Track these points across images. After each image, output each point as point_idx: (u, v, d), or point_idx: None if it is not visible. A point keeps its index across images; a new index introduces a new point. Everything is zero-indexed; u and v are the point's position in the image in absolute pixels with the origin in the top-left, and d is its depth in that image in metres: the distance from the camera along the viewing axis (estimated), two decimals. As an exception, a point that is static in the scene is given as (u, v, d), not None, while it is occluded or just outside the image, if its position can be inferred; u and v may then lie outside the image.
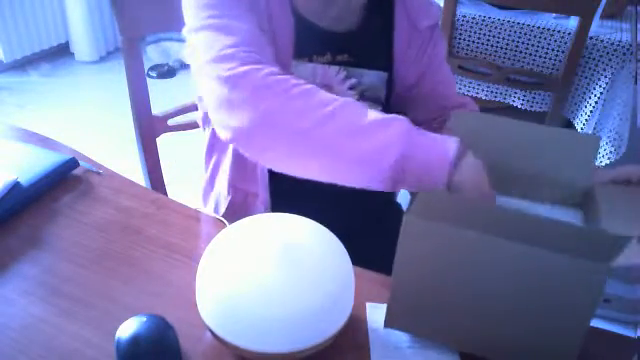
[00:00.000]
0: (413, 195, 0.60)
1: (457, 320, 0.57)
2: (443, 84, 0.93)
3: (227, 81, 0.62)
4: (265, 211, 0.88)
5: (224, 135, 0.66)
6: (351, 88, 0.84)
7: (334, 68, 0.82)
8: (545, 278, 0.51)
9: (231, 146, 0.88)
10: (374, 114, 0.61)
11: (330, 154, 0.60)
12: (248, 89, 0.61)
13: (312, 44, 0.80)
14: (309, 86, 0.63)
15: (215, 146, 0.95)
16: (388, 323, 0.61)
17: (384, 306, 0.62)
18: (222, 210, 0.94)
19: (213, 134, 0.93)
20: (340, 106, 0.60)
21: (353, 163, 0.60)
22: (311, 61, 0.80)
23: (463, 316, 0.57)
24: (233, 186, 0.92)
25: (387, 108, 0.89)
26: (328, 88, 0.79)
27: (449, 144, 0.60)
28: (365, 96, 0.85)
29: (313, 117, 0.60)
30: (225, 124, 0.64)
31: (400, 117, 0.62)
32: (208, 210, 0.98)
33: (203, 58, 0.66)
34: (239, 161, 0.89)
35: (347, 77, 0.83)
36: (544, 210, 0.73)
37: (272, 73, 0.62)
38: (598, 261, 0.49)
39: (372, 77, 0.85)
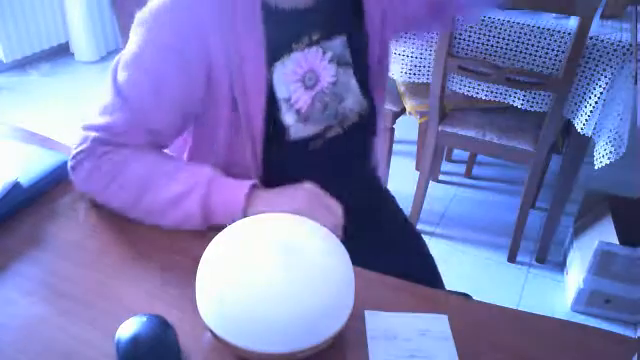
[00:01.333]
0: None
1: None
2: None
3: (75, 161, 0.77)
4: None
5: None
6: (330, 61, 0.84)
7: (312, 50, 0.81)
8: None
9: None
10: (177, 185, 0.74)
11: (153, 221, 0.76)
12: (79, 177, 0.78)
13: (288, 35, 0.79)
14: (124, 165, 0.75)
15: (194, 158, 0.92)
16: None
17: (382, 313, 0.62)
18: None
19: (192, 146, 0.91)
20: (148, 189, 0.74)
21: (174, 226, 0.76)
22: (291, 52, 0.80)
23: None
24: None
25: (361, 68, 0.88)
26: (313, 71, 0.82)
27: (237, 200, 0.73)
28: (340, 63, 0.85)
29: (130, 202, 0.76)
30: (76, 186, 0.80)
31: (199, 179, 0.74)
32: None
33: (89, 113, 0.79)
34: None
35: (324, 52, 0.83)
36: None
37: (100, 165, 0.75)
38: None
39: (338, 42, 0.84)
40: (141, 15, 0.75)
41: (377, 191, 1.07)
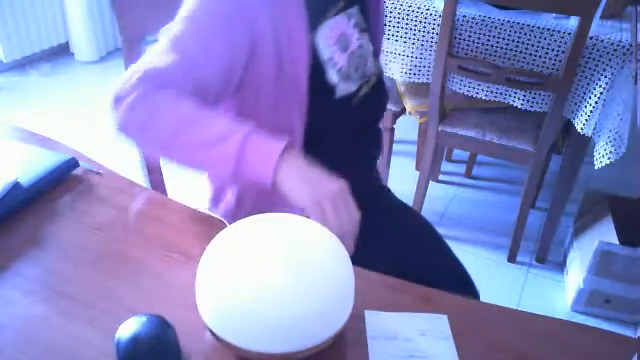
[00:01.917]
0: None
1: None
2: None
3: (118, 95, 0.75)
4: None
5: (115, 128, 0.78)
6: (355, 27, 0.91)
7: (340, 16, 0.88)
8: None
9: None
10: (219, 127, 0.72)
11: (187, 162, 0.75)
12: (124, 109, 0.74)
13: (323, 4, 0.86)
14: (168, 104, 0.73)
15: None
16: None
17: (382, 313, 0.62)
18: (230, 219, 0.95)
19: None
20: (190, 123, 0.72)
21: (203, 168, 0.77)
22: (326, 19, 0.86)
23: None
24: (241, 197, 0.95)
25: (370, 26, 0.95)
26: (345, 35, 0.89)
27: (274, 150, 0.70)
28: (361, 29, 0.92)
29: (170, 136, 0.73)
30: (115, 122, 0.77)
31: (240, 129, 0.71)
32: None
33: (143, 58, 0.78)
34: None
35: (349, 18, 0.90)
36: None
37: (149, 99, 0.74)
38: None
39: (355, 11, 0.91)
40: None
41: (372, 182, 1.11)
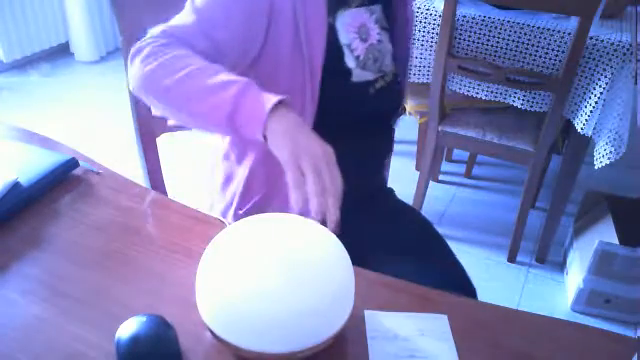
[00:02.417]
0: None
1: None
2: None
3: (135, 50, 0.78)
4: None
5: (130, 85, 0.80)
6: (376, 23, 0.93)
7: (362, 10, 0.91)
8: None
9: (249, 157, 0.94)
10: (221, 77, 0.72)
11: (186, 107, 0.74)
12: (138, 59, 0.77)
13: None
14: (178, 55, 0.75)
15: (229, 156, 0.96)
16: None
17: (382, 313, 0.62)
18: (230, 219, 0.95)
19: (231, 144, 0.97)
20: (193, 71, 0.73)
21: (200, 115, 0.74)
22: (347, 7, 0.89)
23: None
24: (245, 196, 0.95)
25: (393, 30, 0.98)
26: (366, 27, 0.92)
27: (267, 103, 0.69)
28: (382, 27, 0.95)
29: (174, 80, 0.73)
30: (130, 77, 0.79)
31: (241, 80, 0.71)
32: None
33: None
34: (256, 171, 0.94)
35: (371, 14, 0.93)
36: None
37: (161, 50, 0.76)
38: None
39: (377, 9, 0.94)
40: None
41: (375, 182, 1.11)
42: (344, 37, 0.89)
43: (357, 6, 0.91)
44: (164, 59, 0.74)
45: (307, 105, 0.87)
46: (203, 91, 0.72)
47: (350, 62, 0.89)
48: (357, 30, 0.90)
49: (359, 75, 0.91)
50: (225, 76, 0.72)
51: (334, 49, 0.87)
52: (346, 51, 0.89)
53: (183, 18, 0.80)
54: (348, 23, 0.89)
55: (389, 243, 0.98)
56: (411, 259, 0.96)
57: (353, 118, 0.92)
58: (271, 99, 0.69)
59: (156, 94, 0.76)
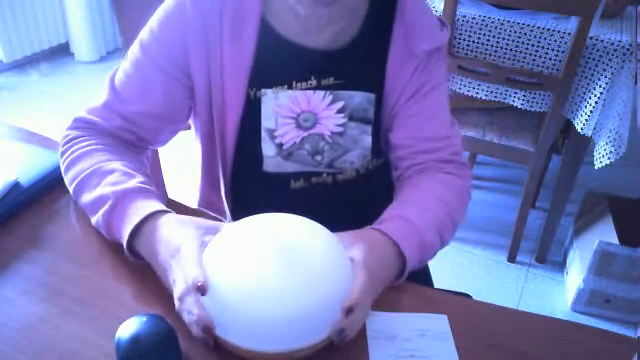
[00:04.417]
0: None
1: None
2: (425, 114, 0.83)
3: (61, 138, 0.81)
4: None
5: None
6: (339, 112, 0.81)
7: (319, 94, 0.79)
8: None
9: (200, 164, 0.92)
10: (99, 189, 0.71)
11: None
12: (59, 152, 0.79)
13: (288, 70, 0.78)
14: (80, 154, 0.76)
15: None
16: None
17: (382, 313, 0.62)
18: (230, 218, 0.95)
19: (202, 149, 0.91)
20: (85, 177, 0.73)
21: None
22: (290, 88, 0.78)
23: None
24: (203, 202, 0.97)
25: (377, 126, 0.84)
26: (313, 114, 0.80)
27: (127, 226, 0.67)
28: (354, 117, 0.82)
29: (72, 188, 0.75)
30: None
31: (117, 193, 0.69)
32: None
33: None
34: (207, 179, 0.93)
35: (334, 101, 0.80)
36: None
37: (74, 147, 0.77)
38: None
39: (360, 98, 0.81)
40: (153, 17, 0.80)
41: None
42: (269, 120, 0.79)
43: (312, 88, 0.79)
44: (69, 159, 0.76)
45: (221, 190, 0.86)
46: (88, 203, 0.72)
47: (268, 149, 0.81)
48: (296, 116, 0.80)
49: (277, 165, 0.82)
50: (108, 187, 0.70)
51: (250, 130, 0.80)
52: (266, 135, 0.80)
53: (100, 96, 0.81)
54: (282, 106, 0.79)
55: None
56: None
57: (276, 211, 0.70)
58: (133, 220, 0.66)
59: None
